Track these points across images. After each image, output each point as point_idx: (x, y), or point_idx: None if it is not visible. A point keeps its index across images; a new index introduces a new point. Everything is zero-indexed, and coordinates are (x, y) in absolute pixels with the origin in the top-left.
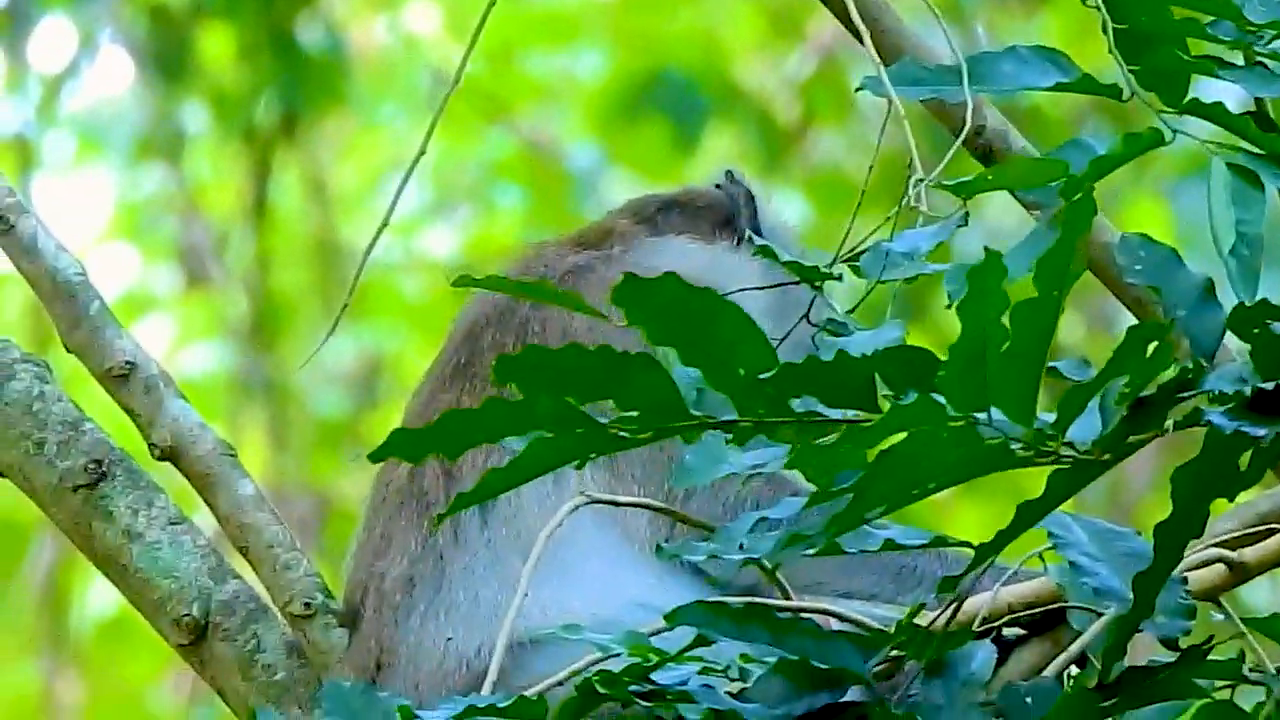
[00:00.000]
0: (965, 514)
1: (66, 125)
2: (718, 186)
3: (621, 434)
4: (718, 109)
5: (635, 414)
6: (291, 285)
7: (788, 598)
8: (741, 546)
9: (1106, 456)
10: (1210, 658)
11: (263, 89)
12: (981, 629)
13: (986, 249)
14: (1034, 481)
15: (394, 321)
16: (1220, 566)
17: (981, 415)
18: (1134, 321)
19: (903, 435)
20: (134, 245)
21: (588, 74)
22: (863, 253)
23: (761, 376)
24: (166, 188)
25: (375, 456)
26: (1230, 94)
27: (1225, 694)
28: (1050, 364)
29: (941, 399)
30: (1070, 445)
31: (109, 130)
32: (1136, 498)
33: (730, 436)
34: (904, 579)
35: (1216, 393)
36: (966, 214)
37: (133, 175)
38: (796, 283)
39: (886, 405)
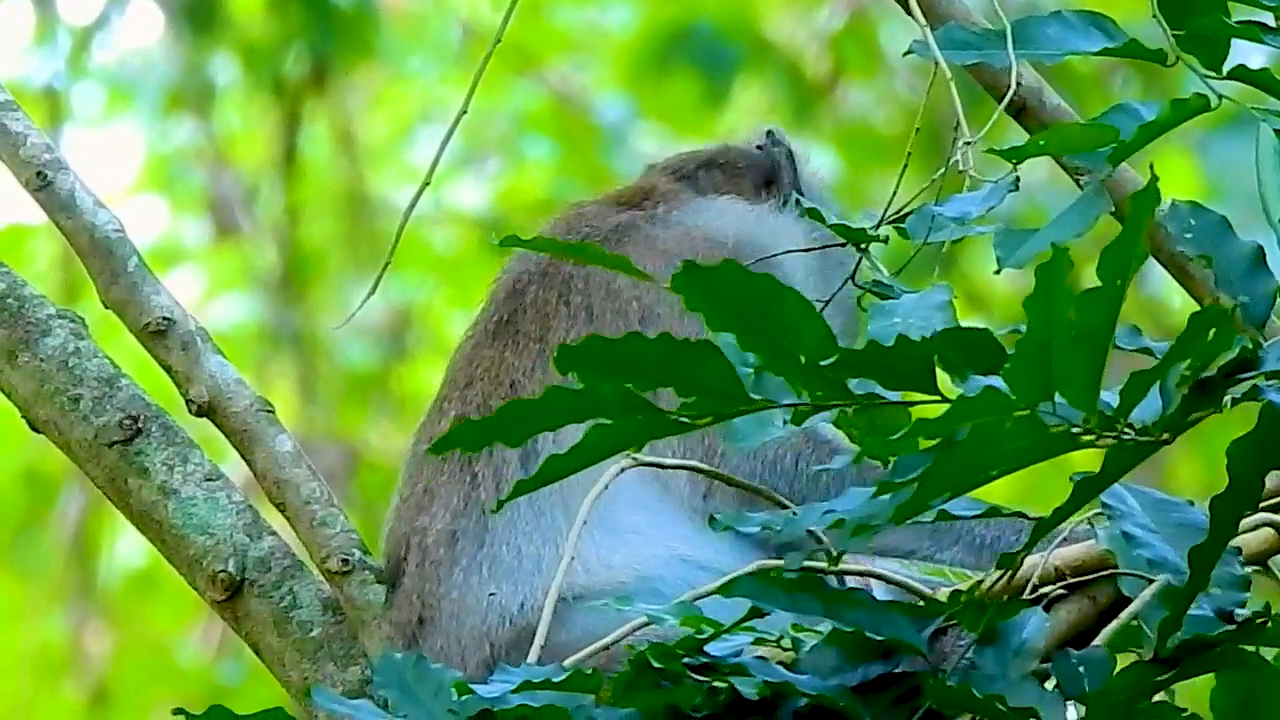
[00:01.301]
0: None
1: (96, 77)
2: (759, 148)
3: (681, 419)
4: (747, 62)
5: (694, 399)
6: (320, 237)
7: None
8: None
9: (1166, 436)
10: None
11: (292, 40)
12: (1033, 596)
13: (1054, 245)
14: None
15: (423, 273)
16: (1268, 531)
17: (1045, 405)
18: (1164, 274)
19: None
20: (163, 197)
21: (617, 26)
22: (908, 214)
23: (823, 363)
24: (196, 139)
25: (438, 448)
26: (1258, 56)
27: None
28: None
29: (1005, 387)
30: (1131, 427)
31: (139, 82)
32: (1166, 452)
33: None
34: (940, 536)
35: (1274, 371)
36: (1017, 178)
37: (162, 127)
38: (843, 244)
39: (943, 385)
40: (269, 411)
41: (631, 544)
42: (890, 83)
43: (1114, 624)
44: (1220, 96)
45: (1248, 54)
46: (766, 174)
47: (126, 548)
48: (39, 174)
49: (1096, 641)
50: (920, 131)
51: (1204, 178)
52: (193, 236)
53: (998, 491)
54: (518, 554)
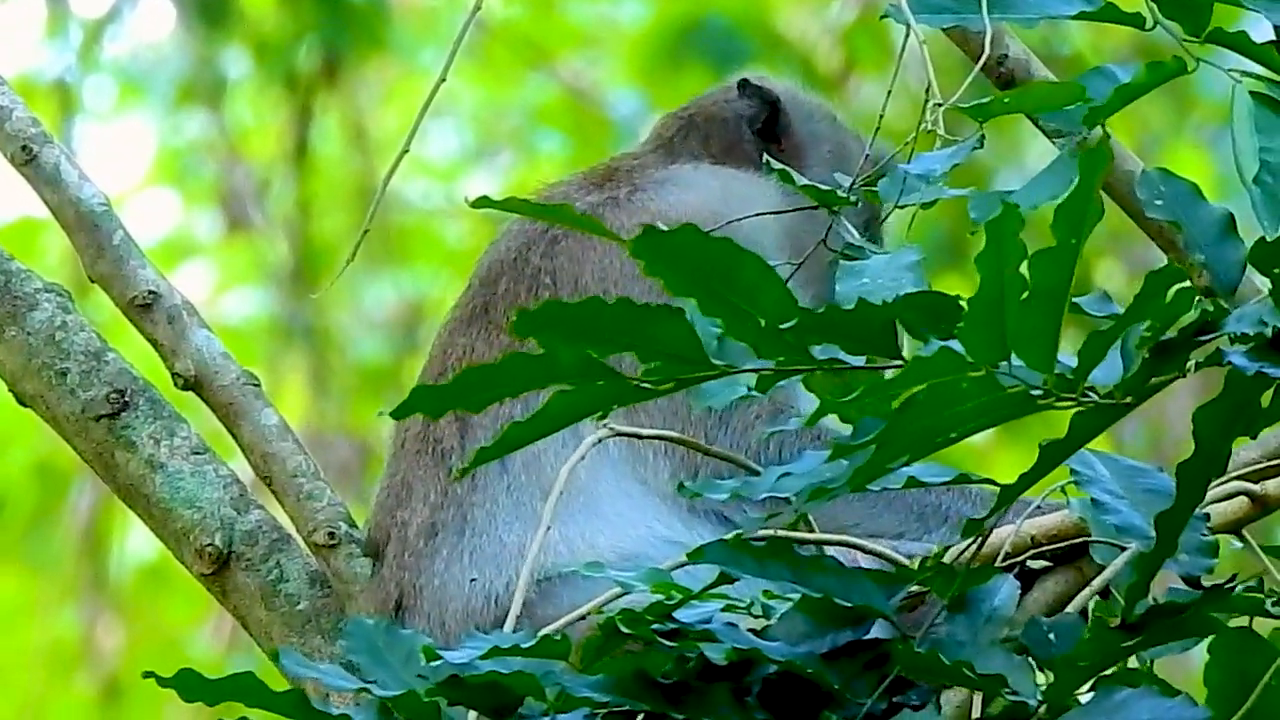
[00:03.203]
0: (1005, 459)
1: (108, 70)
2: (726, 102)
3: (643, 385)
4: (759, 56)
5: (656, 364)
6: (332, 230)
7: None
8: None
9: (1129, 399)
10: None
11: (304, 34)
12: (1005, 563)
13: (1003, 200)
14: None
15: (435, 267)
16: (1243, 499)
17: (1002, 364)
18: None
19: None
20: (175, 190)
21: (629, 20)
22: (880, 177)
23: (782, 326)
24: (208, 133)
25: (399, 413)
26: (1254, 27)
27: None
28: (1073, 299)
29: (960, 348)
30: (1092, 389)
31: (150, 75)
32: (1176, 447)
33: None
34: (928, 518)
35: (1237, 333)
36: (983, 136)
37: (174, 120)
38: (815, 207)
39: (907, 350)
40: (255, 385)
41: (615, 525)
42: (902, 75)
43: (1085, 591)
44: (1198, 61)
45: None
46: (744, 129)
47: (138, 541)
48: (24, 148)
49: (1069, 609)
50: (920, 110)
51: (1216, 173)
52: (204, 230)
53: (1002, 475)
54: (499, 543)
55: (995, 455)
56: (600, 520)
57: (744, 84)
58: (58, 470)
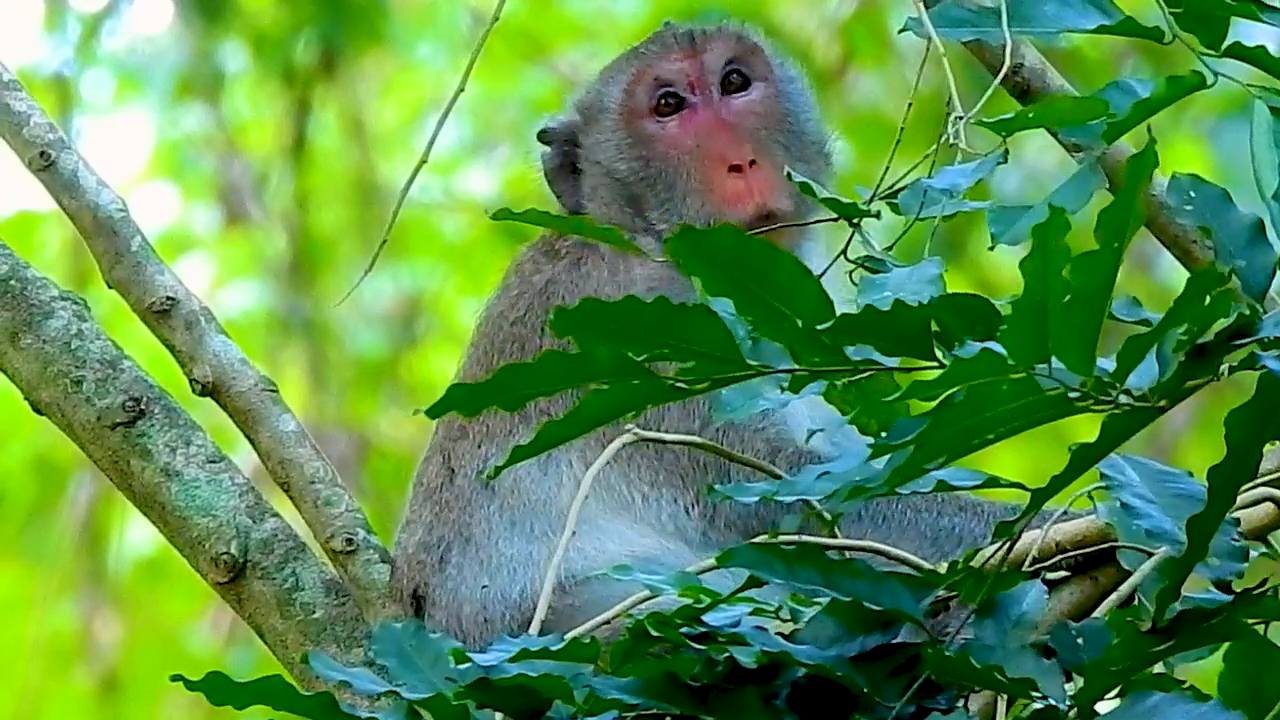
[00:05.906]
0: (1007, 457)
1: (106, 64)
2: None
3: (678, 385)
4: None
5: (692, 365)
6: (330, 224)
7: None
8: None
9: (1163, 402)
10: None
11: (302, 28)
12: (1032, 568)
13: (1050, 205)
14: (1076, 425)
15: (433, 261)
16: (1269, 505)
17: (1042, 366)
18: (1173, 261)
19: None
20: (173, 184)
21: (627, 13)
22: (901, 190)
23: (819, 327)
24: (206, 127)
25: (433, 412)
26: (1269, 38)
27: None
28: None
29: (1001, 350)
30: (1128, 392)
31: (148, 69)
32: (1175, 438)
33: (786, 384)
34: (943, 542)
35: (1271, 338)
36: (1006, 151)
37: (172, 114)
38: (835, 219)
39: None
40: (273, 391)
41: (624, 535)
42: (900, 70)
43: (1114, 595)
44: (1217, 74)
45: (1257, 38)
46: (557, 183)
47: (136, 535)
48: (42, 154)
49: (1096, 614)
50: (927, 115)
51: (1215, 165)
52: (203, 223)
53: (1004, 472)
54: (505, 556)
55: (1000, 454)
56: (606, 533)
57: (542, 135)
58: (56, 464)
